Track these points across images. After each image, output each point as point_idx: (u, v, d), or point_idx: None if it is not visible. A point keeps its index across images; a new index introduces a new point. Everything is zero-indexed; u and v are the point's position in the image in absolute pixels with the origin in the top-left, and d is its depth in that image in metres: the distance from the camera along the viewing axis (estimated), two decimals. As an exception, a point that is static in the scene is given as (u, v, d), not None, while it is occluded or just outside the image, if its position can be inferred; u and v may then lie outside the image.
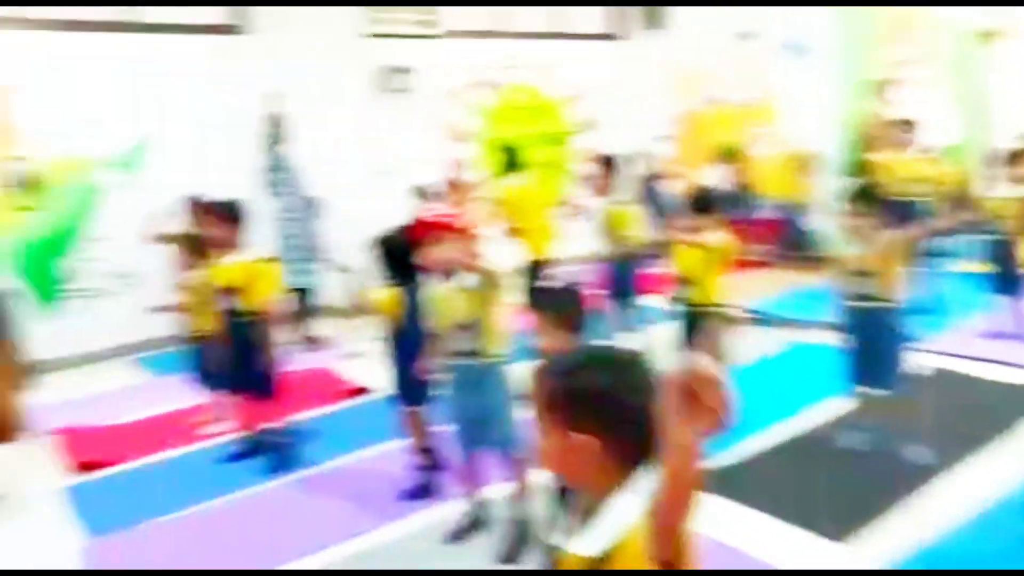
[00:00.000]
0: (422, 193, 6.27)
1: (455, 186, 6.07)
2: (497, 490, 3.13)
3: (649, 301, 4.94)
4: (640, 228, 4.88)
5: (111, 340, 5.95)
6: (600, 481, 1.16)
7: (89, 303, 5.99)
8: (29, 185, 5.81)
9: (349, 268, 3.24)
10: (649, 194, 7.21)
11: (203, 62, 6.34)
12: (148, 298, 5.34)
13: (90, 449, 4.11)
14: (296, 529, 3.24)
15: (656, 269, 4.82)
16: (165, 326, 4.50)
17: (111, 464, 3.98)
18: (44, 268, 5.88)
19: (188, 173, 5.54)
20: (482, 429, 2.90)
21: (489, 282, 2.82)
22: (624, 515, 1.10)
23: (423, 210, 6.06)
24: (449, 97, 7.72)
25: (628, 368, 1.21)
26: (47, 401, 5.03)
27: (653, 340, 4.73)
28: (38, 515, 3.47)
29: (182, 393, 4.47)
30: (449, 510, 3.24)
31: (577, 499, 1.24)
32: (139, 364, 5.80)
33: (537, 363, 1.31)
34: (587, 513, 1.18)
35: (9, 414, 3.45)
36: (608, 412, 1.14)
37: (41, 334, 5.54)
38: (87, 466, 3.94)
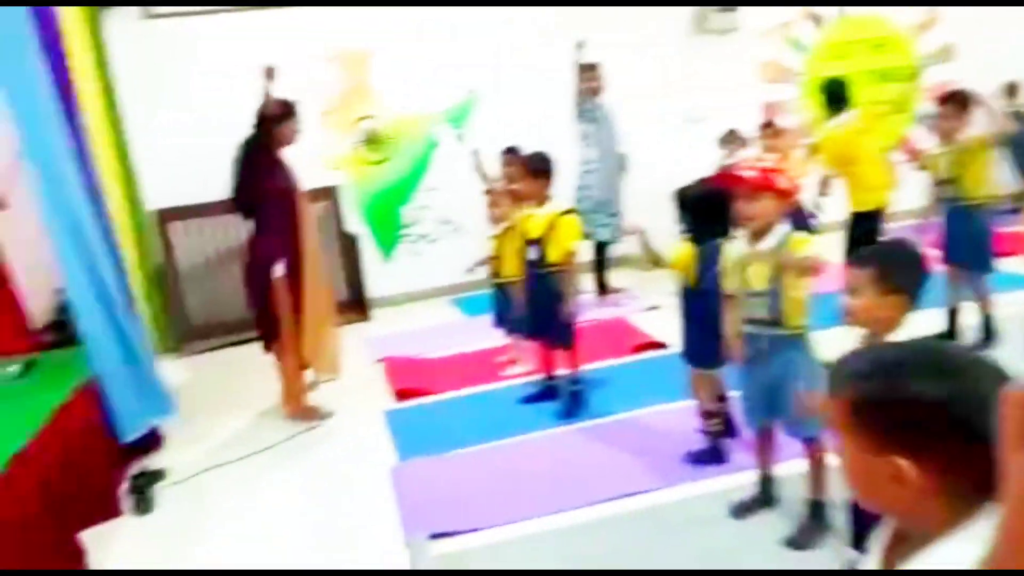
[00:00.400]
0: (735, 139, 5.88)
1: (773, 131, 5.59)
2: (791, 468, 2.83)
3: (1004, 266, 4.11)
4: (993, 177, 4.02)
5: (433, 281, 6.57)
6: (918, 515, 0.90)
7: (418, 247, 6.67)
8: (378, 141, 6.54)
9: (641, 229, 3.08)
10: (1018, 135, 5.95)
11: (525, 16, 6.55)
12: (466, 244, 5.80)
13: (408, 378, 4.57)
14: (581, 477, 3.27)
15: (1016, 227, 3.97)
16: (480, 271, 4.80)
17: (424, 394, 4.38)
18: (387, 216, 6.62)
19: (510, 126, 5.84)
20: (777, 405, 2.60)
21: (800, 248, 2.49)
22: (952, 565, 0.85)
23: (733, 159, 5.70)
24: (769, 35, 7.10)
25: (969, 374, 0.89)
26: (379, 333, 5.76)
27: (1005, 316, 3.93)
28: (361, 434, 3.98)
29: (490, 334, 4.76)
30: (737, 480, 3.02)
31: (885, 523, 0.99)
32: (455, 304, 6.33)
33: (841, 350, 1.05)
34: (898, 545, 0.94)
35: (328, 349, 3.95)
36: (937, 432, 0.87)
37: (379, 275, 6.43)
38: (404, 393, 4.39)
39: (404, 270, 6.57)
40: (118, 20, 5.55)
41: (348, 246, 6.40)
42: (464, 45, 6.48)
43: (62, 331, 4.53)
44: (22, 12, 3.40)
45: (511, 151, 5.26)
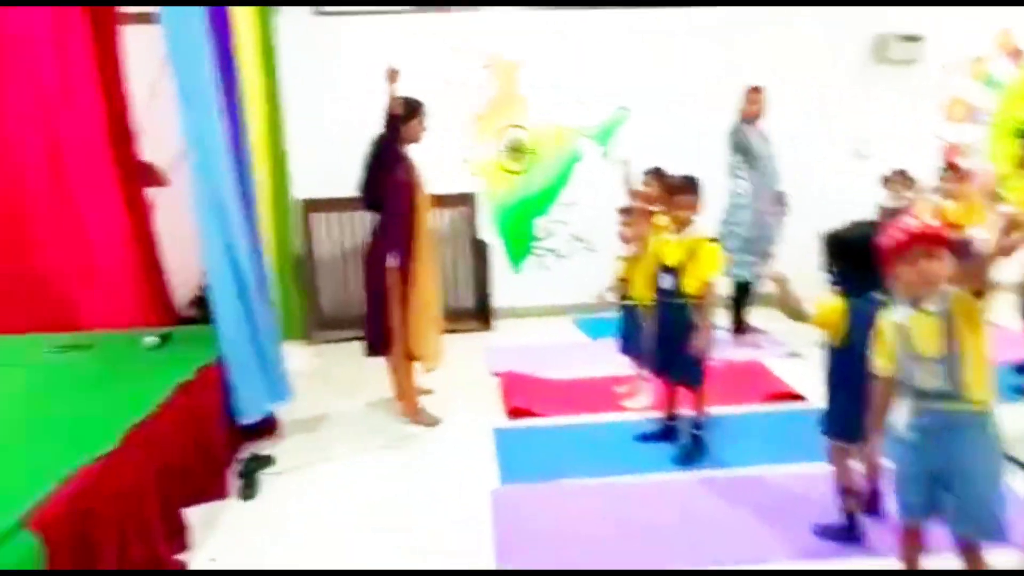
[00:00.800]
0: (903, 180, 5.38)
1: (956, 175, 5.04)
2: (940, 562, 2.44)
3: None
4: None
5: (559, 298, 6.44)
6: None
7: (548, 262, 6.55)
8: (521, 151, 6.49)
9: (784, 279, 2.75)
10: None
11: (683, 31, 6.30)
12: (598, 264, 5.62)
13: (522, 397, 4.42)
14: (693, 533, 2.99)
15: None
16: (607, 292, 4.60)
17: (537, 416, 4.21)
18: (521, 227, 6.56)
19: (657, 147, 5.64)
20: (944, 497, 2.20)
21: (972, 308, 2.13)
22: None
23: (898, 202, 5.20)
24: (956, 69, 6.46)
25: None
26: (499, 345, 5.67)
27: None
28: (467, 448, 3.88)
29: (611, 360, 4.54)
30: (873, 567, 2.66)
31: None
32: (577, 324, 6.14)
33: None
34: None
35: (432, 340, 3.96)
36: None
37: (505, 285, 6.36)
38: (516, 412, 4.24)
39: (531, 283, 6.51)
40: (289, 15, 5.78)
41: (478, 253, 6.37)
42: (617, 61, 6.31)
43: (204, 308, 4.73)
44: (198, 8, 3.55)
45: (655, 172, 5.02)
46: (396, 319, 4.12)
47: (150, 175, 5.07)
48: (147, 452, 2.89)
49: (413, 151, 4.21)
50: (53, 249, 4.59)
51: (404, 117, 4.00)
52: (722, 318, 5.05)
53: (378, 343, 4.20)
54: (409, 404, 4.26)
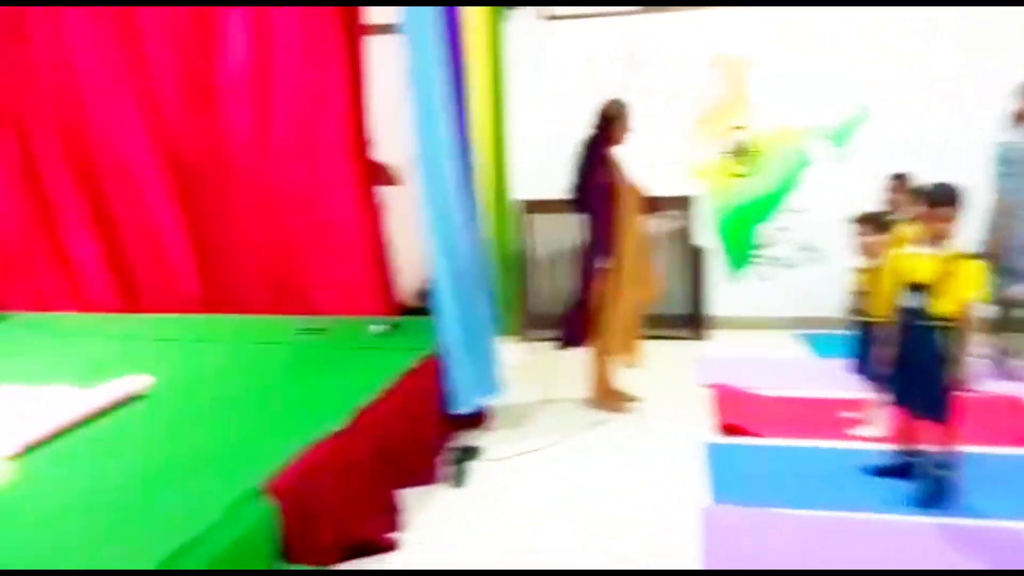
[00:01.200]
0: None
1: None
2: None
3: None
4: None
5: (780, 310, 6.08)
6: None
7: (770, 271, 6.17)
8: (746, 153, 6.17)
9: None
10: None
11: (937, 23, 5.65)
12: (826, 276, 5.21)
13: (738, 413, 4.17)
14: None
15: None
16: (837, 307, 4.23)
17: (753, 435, 3.95)
18: (742, 232, 6.24)
19: (901, 149, 5.12)
20: None
21: None
22: None
23: None
24: None
25: None
26: (712, 355, 5.43)
27: None
28: (676, 461, 3.72)
29: (838, 381, 4.15)
30: None
31: None
32: (802, 339, 5.73)
33: None
34: None
35: (632, 344, 3.90)
36: None
37: (721, 293, 6.09)
38: (731, 429, 4.01)
39: (750, 293, 6.18)
40: (518, 20, 5.92)
41: (694, 259, 6.14)
42: (855, 55, 5.80)
43: (428, 299, 5.01)
44: (434, 10, 3.72)
45: (899, 177, 4.54)
46: (596, 316, 4.21)
47: (385, 175, 5.44)
48: (370, 433, 3.07)
49: (630, 153, 4.19)
50: (301, 238, 5.09)
51: (614, 118, 4.09)
52: (979, 345, 4.43)
53: (570, 336, 4.34)
54: (602, 393, 4.37)
